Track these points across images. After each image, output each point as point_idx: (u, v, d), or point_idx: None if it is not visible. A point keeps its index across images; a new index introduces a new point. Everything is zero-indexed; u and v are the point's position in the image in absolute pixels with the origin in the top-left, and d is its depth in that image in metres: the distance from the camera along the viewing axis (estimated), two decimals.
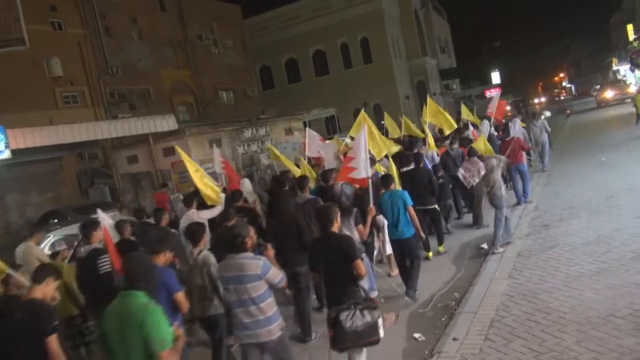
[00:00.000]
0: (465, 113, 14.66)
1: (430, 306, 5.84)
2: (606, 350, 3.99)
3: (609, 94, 33.22)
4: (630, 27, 43.78)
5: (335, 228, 4.28)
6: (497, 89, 44.70)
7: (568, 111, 33.80)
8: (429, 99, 12.97)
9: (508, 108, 26.66)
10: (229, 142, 12.82)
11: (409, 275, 6.20)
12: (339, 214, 4.37)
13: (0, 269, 4.75)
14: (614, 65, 51.78)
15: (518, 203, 9.94)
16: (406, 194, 6.42)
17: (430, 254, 7.69)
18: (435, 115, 12.52)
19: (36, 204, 16.51)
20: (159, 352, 2.89)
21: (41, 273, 3.88)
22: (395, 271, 6.87)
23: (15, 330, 3.48)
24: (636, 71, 34.51)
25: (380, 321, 3.92)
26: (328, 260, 4.11)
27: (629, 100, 23.10)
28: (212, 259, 4.69)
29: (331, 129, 28.66)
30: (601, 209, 8.23)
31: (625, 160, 12.12)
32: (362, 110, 10.56)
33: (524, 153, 10.41)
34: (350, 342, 3.87)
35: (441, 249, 7.91)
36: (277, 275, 3.97)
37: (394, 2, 38.38)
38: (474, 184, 8.95)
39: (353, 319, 3.82)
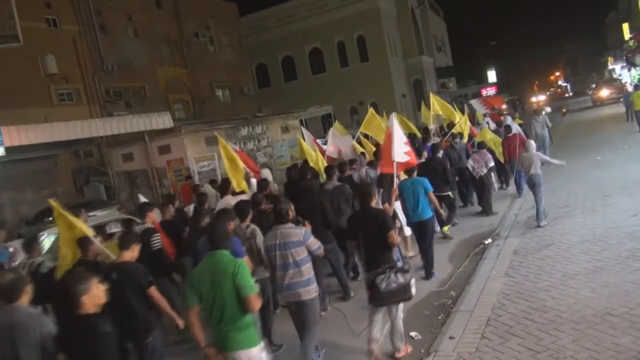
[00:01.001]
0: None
1: (426, 305, 5.84)
2: (602, 348, 4.00)
3: (604, 92, 33.29)
4: (625, 26, 43.90)
5: (373, 204, 4.93)
6: (493, 88, 44.92)
7: (564, 110, 33.82)
8: (431, 95, 13.45)
9: (504, 107, 26.79)
10: (225, 140, 12.74)
11: (425, 255, 6.83)
12: (377, 192, 5.10)
13: (83, 232, 4.94)
14: (609, 64, 51.93)
15: (518, 195, 10.38)
16: (427, 181, 6.97)
17: (446, 227, 8.44)
18: (442, 108, 13.18)
19: (31, 201, 16.42)
20: (250, 295, 3.40)
21: (126, 240, 4.36)
22: (411, 252, 7.37)
23: (119, 289, 3.93)
24: (632, 70, 34.62)
25: (412, 281, 4.50)
26: (366, 230, 4.70)
27: (622, 100, 23.11)
28: (259, 231, 5.34)
29: (328, 127, 28.59)
30: (597, 208, 8.27)
31: (620, 158, 12.19)
32: (370, 107, 10.94)
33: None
34: (385, 300, 4.46)
35: (446, 229, 8.41)
36: (315, 243, 4.63)
37: (390, 0, 38.35)
38: (482, 174, 9.30)
39: (388, 281, 4.39)
